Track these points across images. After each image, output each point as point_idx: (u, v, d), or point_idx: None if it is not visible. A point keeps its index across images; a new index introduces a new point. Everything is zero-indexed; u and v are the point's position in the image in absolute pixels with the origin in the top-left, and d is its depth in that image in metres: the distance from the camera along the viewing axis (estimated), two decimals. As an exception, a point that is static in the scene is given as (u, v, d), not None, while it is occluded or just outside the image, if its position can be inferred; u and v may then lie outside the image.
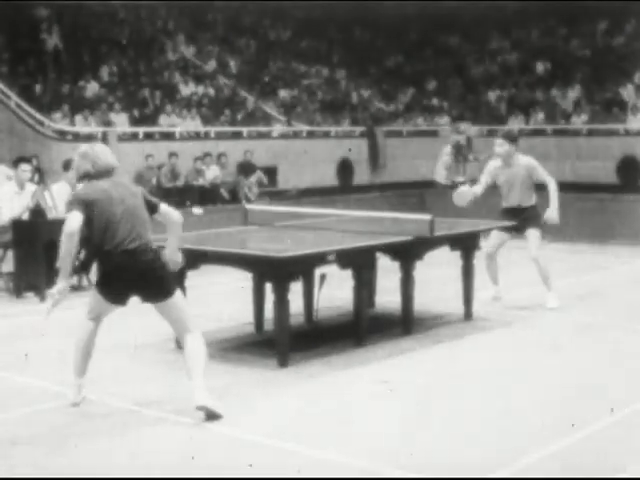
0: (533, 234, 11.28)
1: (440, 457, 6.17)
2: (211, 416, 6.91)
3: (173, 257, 7.43)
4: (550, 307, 11.17)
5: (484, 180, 11.46)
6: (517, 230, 11.33)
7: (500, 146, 11.38)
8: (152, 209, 7.35)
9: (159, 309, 7.23)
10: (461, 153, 23.20)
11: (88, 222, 7.08)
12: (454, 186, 19.13)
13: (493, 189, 11.57)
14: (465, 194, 11.21)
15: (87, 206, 7.09)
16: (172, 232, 7.49)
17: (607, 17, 28.17)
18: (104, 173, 7.29)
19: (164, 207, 7.44)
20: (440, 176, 22.22)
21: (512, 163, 11.36)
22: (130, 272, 7.12)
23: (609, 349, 9.27)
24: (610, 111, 25.02)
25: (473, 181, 13.00)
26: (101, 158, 7.32)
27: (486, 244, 11.39)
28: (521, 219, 11.26)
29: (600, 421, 6.87)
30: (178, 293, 7.28)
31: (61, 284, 7.16)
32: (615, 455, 6.17)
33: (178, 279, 8.17)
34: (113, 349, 9.07)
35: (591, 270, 14.35)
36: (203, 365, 7.09)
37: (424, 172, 24.93)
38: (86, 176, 7.31)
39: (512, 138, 11.58)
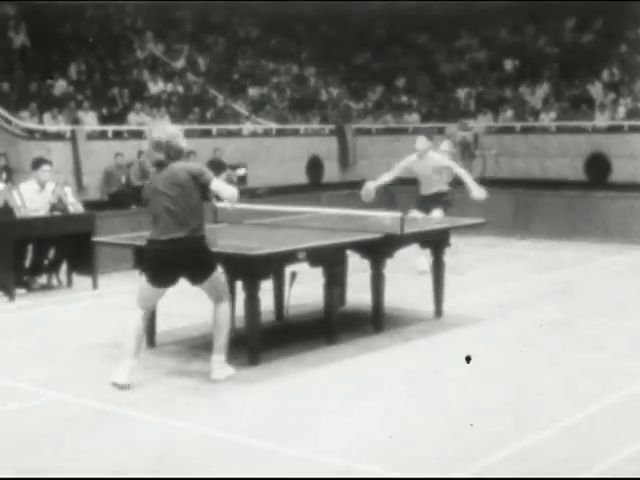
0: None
1: (411, 454, 6.19)
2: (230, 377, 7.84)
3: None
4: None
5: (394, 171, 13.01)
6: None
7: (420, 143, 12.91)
8: (204, 195, 7.88)
9: (201, 287, 7.95)
10: (468, 150, 23.23)
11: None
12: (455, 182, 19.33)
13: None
14: (368, 190, 12.12)
15: (145, 195, 7.96)
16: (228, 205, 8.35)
17: (575, 15, 28.30)
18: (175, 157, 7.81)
19: (215, 184, 7.82)
20: None
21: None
22: (171, 260, 7.72)
23: (578, 345, 9.32)
24: (578, 108, 25.15)
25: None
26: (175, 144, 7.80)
27: None
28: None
29: (570, 417, 6.91)
30: (217, 273, 7.98)
31: None
32: (585, 451, 6.21)
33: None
34: (85, 349, 9.04)
35: (559, 267, 14.42)
36: (222, 339, 7.94)
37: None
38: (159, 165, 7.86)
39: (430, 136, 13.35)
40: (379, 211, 10.56)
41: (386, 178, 12.63)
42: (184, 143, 7.86)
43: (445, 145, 22.35)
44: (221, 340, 7.95)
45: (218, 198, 8.45)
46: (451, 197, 13.11)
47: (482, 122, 25.53)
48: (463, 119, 25.02)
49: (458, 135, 23.86)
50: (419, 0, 28.55)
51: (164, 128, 8.06)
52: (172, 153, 7.75)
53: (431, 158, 12.93)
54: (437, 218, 12.37)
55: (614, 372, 8.26)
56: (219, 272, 8.07)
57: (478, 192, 12.18)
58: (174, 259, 7.72)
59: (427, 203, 13.00)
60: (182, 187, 7.67)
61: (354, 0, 29.20)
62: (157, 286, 7.83)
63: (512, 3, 28.06)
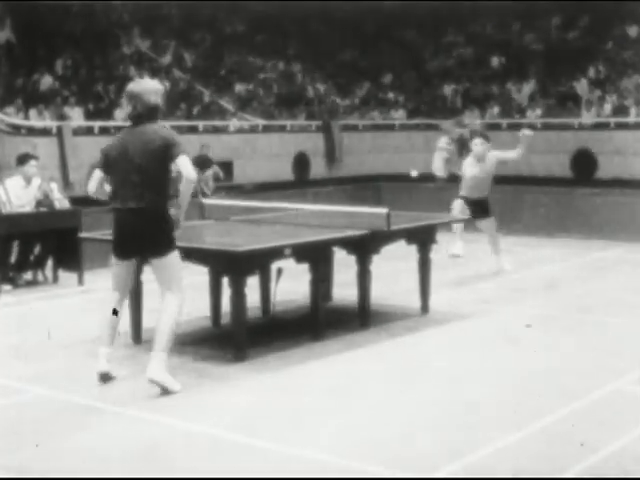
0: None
1: (396, 450, 6.20)
2: (164, 391, 7.25)
3: (175, 215, 7.67)
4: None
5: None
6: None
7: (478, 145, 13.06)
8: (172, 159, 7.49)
9: (153, 267, 7.59)
10: (465, 147, 23.21)
11: (107, 177, 7.64)
12: (452, 179, 19.34)
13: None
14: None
15: (104, 162, 7.64)
16: (181, 189, 7.58)
17: (561, 12, 28.34)
18: (148, 114, 7.60)
19: (181, 159, 7.48)
20: (438, 169, 22.32)
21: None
22: (129, 229, 7.49)
23: (563, 341, 9.34)
24: (564, 105, 25.19)
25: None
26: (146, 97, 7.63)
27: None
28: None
29: (554, 414, 6.93)
30: (174, 257, 7.55)
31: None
32: (570, 448, 6.22)
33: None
34: (70, 345, 9.02)
35: (545, 263, 14.46)
36: (166, 335, 7.40)
37: (380, 166, 25.02)
38: (137, 116, 7.62)
39: (487, 137, 13.29)
40: (365, 207, 10.57)
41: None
42: (154, 99, 7.63)
43: (443, 141, 22.39)
44: (163, 337, 7.46)
45: (204, 194, 8.43)
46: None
47: (469, 118, 25.51)
48: (458, 116, 25.00)
49: (455, 132, 23.86)
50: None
51: (141, 81, 7.99)
52: (142, 109, 7.59)
53: (493, 155, 13.38)
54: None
55: (599, 368, 8.28)
56: (176, 260, 7.65)
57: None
58: (133, 229, 7.51)
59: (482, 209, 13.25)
60: (152, 154, 7.43)
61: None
62: (120, 258, 7.71)
63: (499, 0, 28.07)
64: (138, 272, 8.49)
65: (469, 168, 13.15)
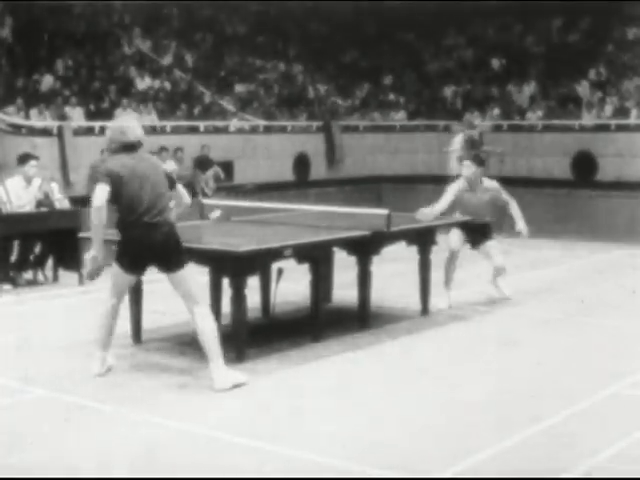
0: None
1: (395, 452, 6.20)
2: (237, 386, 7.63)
3: None
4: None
5: (446, 199, 11.34)
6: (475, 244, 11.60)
7: (467, 167, 11.46)
8: (171, 186, 8.00)
9: (172, 280, 7.78)
10: (476, 148, 23.21)
11: (115, 194, 7.64)
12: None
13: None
14: (427, 214, 11.03)
15: (113, 179, 7.64)
16: (177, 211, 8.15)
17: (562, 14, 28.33)
18: (131, 147, 7.82)
19: (180, 187, 8.18)
20: (454, 169, 22.35)
21: (477, 187, 11.46)
22: (150, 243, 7.66)
23: (564, 344, 9.34)
24: (565, 107, 25.18)
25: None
26: (131, 132, 7.86)
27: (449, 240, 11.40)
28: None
29: (555, 416, 6.93)
30: (189, 268, 7.82)
31: (93, 252, 7.66)
32: (570, 450, 6.22)
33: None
34: (71, 345, 9.02)
35: (546, 265, 14.46)
36: (215, 344, 7.69)
37: (380, 167, 25.03)
38: (117, 149, 7.83)
39: (479, 161, 11.63)
40: (366, 208, 10.56)
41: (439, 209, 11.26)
42: (140, 133, 7.93)
43: (456, 142, 22.36)
44: (212, 347, 7.73)
45: (205, 194, 8.63)
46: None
47: (471, 119, 25.47)
48: (465, 117, 24.93)
49: (465, 133, 23.85)
50: (407, -1, 28.60)
51: (125, 117, 8.38)
52: (133, 139, 7.85)
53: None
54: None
55: (599, 370, 8.28)
56: (192, 271, 7.94)
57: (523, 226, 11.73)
58: (152, 243, 7.69)
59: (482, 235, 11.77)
60: (161, 175, 7.89)
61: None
62: (131, 272, 7.87)
63: (499, 2, 28.09)
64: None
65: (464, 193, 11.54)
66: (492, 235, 11.68)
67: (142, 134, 7.95)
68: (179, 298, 7.83)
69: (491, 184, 11.61)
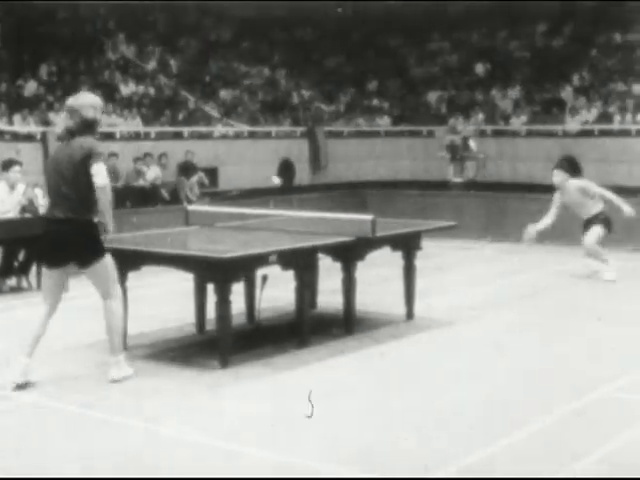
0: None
1: (383, 457, 6.20)
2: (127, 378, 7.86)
3: (102, 222, 7.82)
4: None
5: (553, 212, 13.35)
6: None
7: (556, 176, 13.38)
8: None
9: (85, 274, 7.89)
10: (457, 153, 23.28)
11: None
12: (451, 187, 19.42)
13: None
14: (529, 233, 13.03)
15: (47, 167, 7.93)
16: (97, 196, 7.69)
17: (546, 19, 28.43)
18: (90, 126, 7.78)
19: (95, 167, 7.63)
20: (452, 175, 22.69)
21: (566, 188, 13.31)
22: (53, 239, 7.79)
23: (549, 348, 9.36)
24: (549, 112, 25.27)
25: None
26: (99, 111, 7.90)
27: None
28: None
29: (541, 420, 6.94)
30: (103, 262, 7.79)
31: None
32: (557, 453, 6.23)
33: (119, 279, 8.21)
34: (55, 351, 8.98)
35: (530, 270, 14.48)
36: (118, 339, 7.96)
37: (365, 172, 25.05)
38: (78, 129, 7.74)
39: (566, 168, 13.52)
40: (350, 214, 10.56)
41: (548, 220, 13.36)
42: (92, 114, 7.79)
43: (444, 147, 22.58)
44: (115, 340, 7.94)
45: (189, 200, 8.52)
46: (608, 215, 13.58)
47: (455, 125, 25.54)
48: (453, 122, 24.99)
49: (446, 139, 23.93)
50: (392, 0, 28.60)
51: (80, 95, 8.11)
52: (79, 123, 7.74)
53: (571, 184, 13.51)
54: (594, 234, 13.32)
55: (586, 374, 8.29)
56: (109, 263, 7.92)
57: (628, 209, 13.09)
58: (59, 239, 7.75)
59: (588, 224, 13.52)
60: (75, 166, 7.61)
61: (329, 0, 29.18)
62: (48, 267, 7.92)
63: (483, 7, 28.16)
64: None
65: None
66: (599, 222, 13.41)
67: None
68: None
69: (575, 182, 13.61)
